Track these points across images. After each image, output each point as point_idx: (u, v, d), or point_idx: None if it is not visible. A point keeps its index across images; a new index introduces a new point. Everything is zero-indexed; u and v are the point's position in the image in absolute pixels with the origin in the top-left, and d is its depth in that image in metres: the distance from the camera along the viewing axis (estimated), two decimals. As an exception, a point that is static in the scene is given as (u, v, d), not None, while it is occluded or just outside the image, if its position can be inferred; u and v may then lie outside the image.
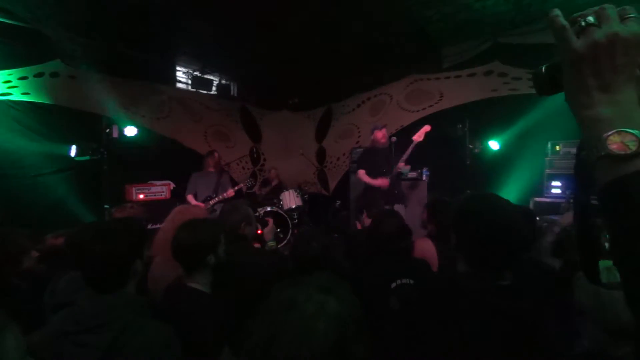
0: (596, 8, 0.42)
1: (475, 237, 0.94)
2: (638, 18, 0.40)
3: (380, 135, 3.62)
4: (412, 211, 3.82)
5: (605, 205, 0.40)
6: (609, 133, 0.39)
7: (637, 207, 0.37)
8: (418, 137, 3.39)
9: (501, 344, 0.84)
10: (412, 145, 3.41)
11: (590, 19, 0.42)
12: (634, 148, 0.38)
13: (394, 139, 3.65)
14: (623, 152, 0.38)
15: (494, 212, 0.96)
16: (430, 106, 5.12)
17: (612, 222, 0.39)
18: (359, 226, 2.70)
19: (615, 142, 0.39)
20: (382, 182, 3.46)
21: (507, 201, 1.00)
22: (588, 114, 0.42)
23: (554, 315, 1.00)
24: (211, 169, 4.39)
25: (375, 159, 3.66)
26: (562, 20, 0.44)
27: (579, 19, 0.43)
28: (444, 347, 0.89)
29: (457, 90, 4.77)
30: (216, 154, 4.44)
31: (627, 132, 0.38)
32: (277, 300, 0.67)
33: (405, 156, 3.42)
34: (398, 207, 3.51)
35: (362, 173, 3.68)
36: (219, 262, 1.45)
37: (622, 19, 0.41)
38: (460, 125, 4.39)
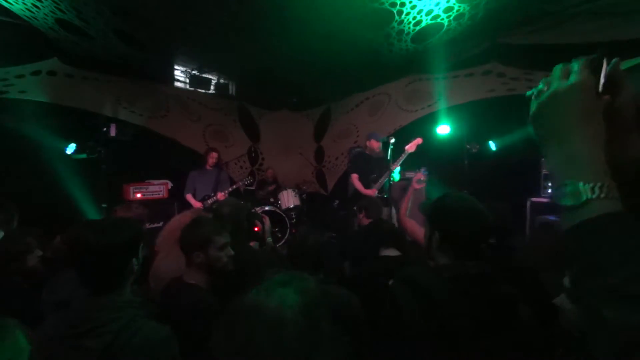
0: (550, 76, 0.48)
1: (444, 231, 1.08)
2: (579, 71, 0.45)
3: (376, 145, 3.82)
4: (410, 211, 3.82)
5: (568, 248, 0.43)
6: (559, 185, 0.44)
7: (585, 252, 0.40)
8: (410, 148, 3.63)
9: (478, 327, 0.90)
10: (403, 155, 3.64)
11: (541, 85, 0.48)
12: (582, 199, 0.41)
13: (392, 139, 3.67)
14: (572, 204, 0.41)
15: (463, 207, 1.09)
16: (429, 106, 5.14)
17: (571, 263, 0.42)
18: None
19: (566, 194, 0.42)
20: (370, 192, 3.71)
21: (475, 199, 1.14)
22: (548, 164, 0.47)
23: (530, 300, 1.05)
24: (209, 167, 4.41)
25: (368, 165, 3.86)
26: (532, 93, 0.51)
27: (536, 87, 0.50)
28: (427, 336, 0.94)
29: (455, 90, 4.79)
30: (215, 153, 4.46)
31: (573, 183, 0.42)
32: (241, 306, 0.68)
33: (396, 164, 3.62)
34: (387, 211, 3.55)
35: (355, 178, 3.89)
36: (211, 261, 1.46)
37: (567, 74, 0.46)
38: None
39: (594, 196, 0.40)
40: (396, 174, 3.82)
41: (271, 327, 0.63)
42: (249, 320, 0.65)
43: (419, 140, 3.64)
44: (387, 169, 3.62)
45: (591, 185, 0.40)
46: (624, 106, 0.45)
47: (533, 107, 0.49)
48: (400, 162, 3.64)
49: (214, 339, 0.69)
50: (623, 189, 0.42)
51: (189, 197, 4.28)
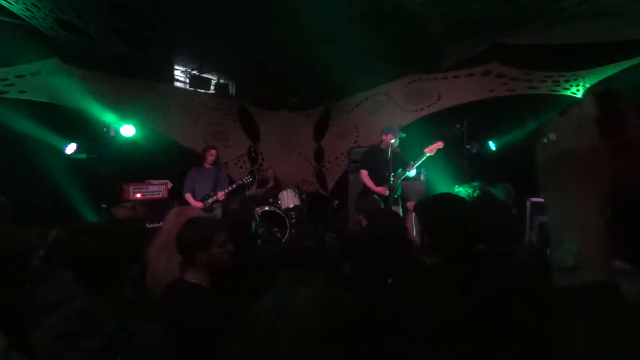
0: (558, 121, 0.47)
1: (438, 230, 1.11)
2: (589, 127, 0.43)
3: (391, 140, 3.67)
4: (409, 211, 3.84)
5: (555, 306, 0.44)
6: (555, 245, 0.44)
7: (570, 314, 0.41)
8: (430, 150, 3.53)
9: (472, 324, 0.92)
10: (422, 157, 3.55)
11: (551, 135, 0.47)
12: (572, 263, 0.41)
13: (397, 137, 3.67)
14: (563, 266, 0.42)
15: (451, 209, 1.13)
16: (429, 106, 5.14)
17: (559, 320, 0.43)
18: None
19: (560, 255, 0.42)
20: (382, 190, 3.59)
21: (464, 199, 1.20)
22: (548, 215, 0.47)
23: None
24: (208, 166, 4.39)
25: (379, 160, 3.72)
26: (539, 137, 0.49)
27: (544, 134, 0.48)
28: (423, 330, 0.97)
29: (455, 90, 4.79)
30: (214, 151, 4.43)
31: (568, 246, 0.42)
32: (263, 308, 0.67)
33: (414, 165, 3.56)
34: (394, 209, 3.56)
35: (364, 174, 3.78)
36: (214, 260, 1.46)
37: (580, 128, 0.44)
38: (458, 126, 4.41)
39: (585, 262, 0.41)
40: (411, 174, 3.73)
41: (299, 327, 0.63)
42: (274, 323, 0.64)
43: (439, 144, 3.55)
44: (400, 166, 3.58)
45: (584, 251, 0.41)
46: (632, 138, 0.44)
47: (541, 156, 0.48)
48: (417, 165, 3.59)
49: (232, 343, 0.68)
50: (629, 218, 0.43)
51: (188, 196, 4.27)
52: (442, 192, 1.25)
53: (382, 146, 3.79)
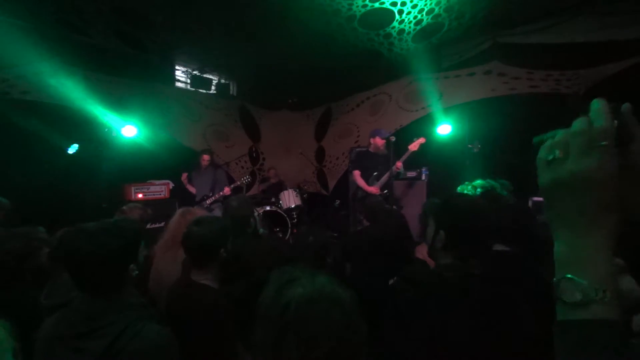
0: (565, 136, 0.41)
1: (450, 230, 1.09)
2: (606, 147, 0.38)
3: (381, 143, 3.79)
4: (410, 211, 3.85)
5: (556, 338, 0.41)
6: (560, 278, 0.41)
7: (570, 353, 0.39)
8: (413, 146, 3.66)
9: (478, 326, 0.91)
10: (407, 153, 3.66)
11: (557, 152, 0.41)
12: (579, 298, 0.39)
13: (392, 138, 3.70)
14: (570, 300, 0.40)
15: (469, 206, 1.12)
16: (430, 106, 5.12)
17: (558, 355, 0.41)
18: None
19: (565, 289, 0.40)
20: (374, 190, 3.70)
21: (477, 199, 1.19)
22: (555, 246, 0.43)
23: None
24: (204, 169, 4.44)
25: (369, 163, 3.85)
26: (541, 153, 0.44)
27: (549, 149, 0.42)
28: (429, 333, 0.95)
29: (456, 89, 4.77)
30: (206, 156, 4.51)
31: (577, 280, 0.39)
32: (289, 303, 0.66)
33: (400, 162, 3.65)
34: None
35: (357, 174, 3.87)
36: (228, 256, 1.46)
37: (591, 148, 0.39)
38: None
39: (595, 298, 0.38)
40: (401, 172, 3.83)
41: (340, 311, 0.64)
42: (313, 307, 0.64)
43: (422, 140, 3.67)
44: (389, 167, 3.62)
45: (595, 287, 0.38)
46: (637, 154, 0.40)
47: (546, 176, 0.42)
48: (403, 161, 3.67)
49: (257, 340, 0.67)
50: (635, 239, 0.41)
51: (184, 179, 4.43)
52: (446, 191, 1.24)
53: (371, 149, 3.93)
